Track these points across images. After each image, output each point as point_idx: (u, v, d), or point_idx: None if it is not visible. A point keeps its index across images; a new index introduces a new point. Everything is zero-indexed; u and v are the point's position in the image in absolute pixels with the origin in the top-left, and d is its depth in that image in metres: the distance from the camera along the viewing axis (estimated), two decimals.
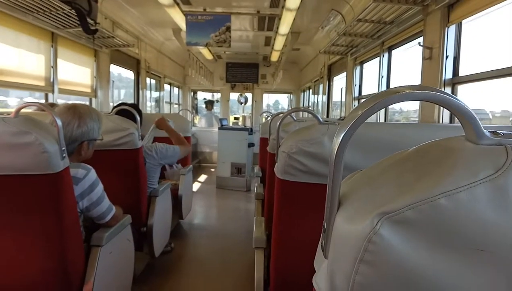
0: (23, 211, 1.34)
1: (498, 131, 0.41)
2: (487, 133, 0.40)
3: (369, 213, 0.39)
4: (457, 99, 0.39)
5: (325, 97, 6.28)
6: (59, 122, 1.32)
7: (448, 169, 0.38)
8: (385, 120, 3.86)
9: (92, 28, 3.17)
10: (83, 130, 1.62)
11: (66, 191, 1.39)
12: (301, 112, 8.72)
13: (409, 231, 0.38)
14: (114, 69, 4.98)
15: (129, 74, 5.81)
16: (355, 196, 0.44)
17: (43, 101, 3.35)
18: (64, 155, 1.34)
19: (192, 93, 10.27)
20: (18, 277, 1.39)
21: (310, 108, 8.08)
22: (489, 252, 0.37)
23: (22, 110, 1.33)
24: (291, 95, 10.39)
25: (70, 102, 2.16)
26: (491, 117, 2.59)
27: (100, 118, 1.73)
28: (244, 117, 9.69)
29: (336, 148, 0.42)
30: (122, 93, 6.09)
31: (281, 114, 1.87)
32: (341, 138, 0.41)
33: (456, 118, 0.53)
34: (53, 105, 2.52)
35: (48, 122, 1.44)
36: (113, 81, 4.83)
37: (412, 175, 0.40)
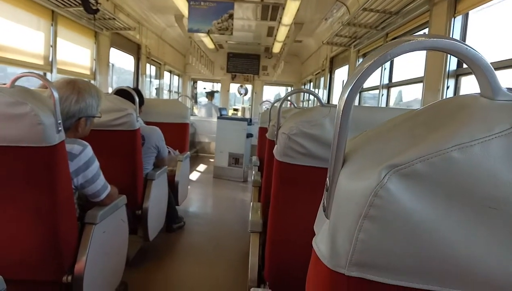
0: (16, 184, 1.31)
1: None
2: (504, 89, 0.38)
3: (376, 166, 0.37)
4: (474, 49, 0.37)
5: (326, 91, 6.24)
6: (55, 94, 1.29)
7: (463, 122, 0.36)
8: None
9: (93, 7, 3.12)
10: (81, 106, 1.58)
11: (60, 165, 1.36)
12: (301, 103, 8.70)
13: (419, 184, 0.35)
14: (116, 61, 4.92)
15: (130, 67, 5.76)
16: (362, 152, 0.42)
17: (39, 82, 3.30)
18: (60, 128, 1.31)
19: (192, 83, 10.21)
20: (8, 252, 1.37)
21: (310, 101, 8.05)
22: (501, 210, 0.35)
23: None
24: (292, 88, 10.35)
25: None
26: None
27: (99, 95, 1.69)
28: (243, 109, 9.66)
29: (345, 98, 0.39)
30: (121, 81, 6.04)
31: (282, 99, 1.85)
32: (350, 88, 0.39)
33: None
34: None
35: (46, 95, 1.41)
36: (112, 65, 4.78)
37: (424, 128, 0.38)
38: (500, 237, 0.36)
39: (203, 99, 9.91)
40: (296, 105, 2.24)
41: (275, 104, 2.51)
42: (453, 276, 0.37)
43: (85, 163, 1.52)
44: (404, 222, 0.36)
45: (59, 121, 1.31)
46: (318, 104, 1.33)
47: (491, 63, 0.38)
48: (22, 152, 1.27)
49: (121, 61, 5.40)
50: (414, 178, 0.35)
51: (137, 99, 2.31)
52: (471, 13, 2.18)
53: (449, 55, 2.26)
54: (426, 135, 0.37)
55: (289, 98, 2.64)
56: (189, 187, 4.09)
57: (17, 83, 1.30)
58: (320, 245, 0.44)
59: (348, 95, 0.39)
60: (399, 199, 0.36)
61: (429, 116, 0.40)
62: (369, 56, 0.38)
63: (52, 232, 1.37)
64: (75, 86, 1.58)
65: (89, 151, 1.54)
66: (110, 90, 4.60)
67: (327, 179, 0.43)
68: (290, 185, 1.32)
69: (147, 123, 2.76)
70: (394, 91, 3.84)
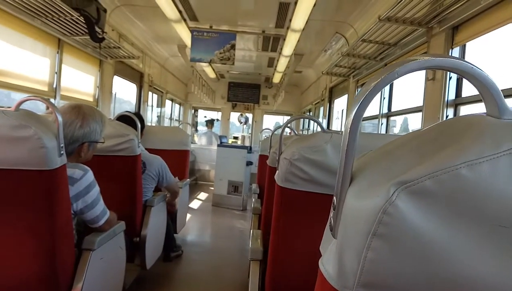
0: (15, 207, 1.30)
1: None
2: (510, 108, 0.38)
3: (385, 184, 0.37)
4: (480, 69, 0.37)
5: (325, 120, 6.29)
6: (59, 117, 1.30)
7: (471, 140, 0.36)
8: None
9: (100, 36, 3.20)
10: (85, 131, 1.59)
11: (61, 189, 1.35)
12: (301, 132, 8.74)
13: (428, 202, 0.35)
14: (117, 90, 4.99)
15: (130, 96, 5.83)
16: (369, 170, 0.42)
17: (44, 108, 3.33)
18: (62, 151, 1.32)
19: (193, 111, 10.30)
20: (4, 276, 1.33)
21: (309, 130, 8.09)
22: (511, 229, 0.35)
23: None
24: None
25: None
26: None
27: (103, 121, 1.70)
28: (243, 137, 9.70)
29: (353, 115, 0.40)
30: (122, 110, 6.09)
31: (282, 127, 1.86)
32: (359, 104, 0.39)
33: None
34: None
35: (51, 120, 1.42)
36: (115, 93, 4.84)
37: (432, 146, 0.38)
38: (511, 256, 0.35)
39: (203, 128, 9.95)
40: (296, 133, 2.25)
41: (276, 132, 2.53)
42: None
43: (86, 188, 1.51)
44: (414, 240, 0.36)
45: (62, 145, 1.31)
46: (319, 130, 1.34)
47: None
48: (23, 175, 1.27)
49: (122, 90, 5.47)
50: (423, 195, 0.35)
51: (139, 125, 2.33)
52: (471, 42, 2.24)
53: (447, 85, 2.30)
54: (434, 152, 0.37)
55: (289, 125, 2.67)
56: (188, 214, 4.04)
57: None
58: (327, 265, 0.43)
59: (356, 112, 0.39)
60: (408, 216, 0.35)
61: (437, 135, 0.40)
62: (377, 75, 0.38)
63: (50, 257, 1.35)
64: (80, 111, 1.59)
65: (90, 176, 1.53)
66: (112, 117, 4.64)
67: (334, 197, 0.43)
68: (291, 211, 1.30)
69: (148, 150, 2.76)
70: (400, 118, 3.86)
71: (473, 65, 0.37)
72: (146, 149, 2.82)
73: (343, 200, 0.41)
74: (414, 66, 0.37)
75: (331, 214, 0.44)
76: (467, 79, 0.38)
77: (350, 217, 0.40)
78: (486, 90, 0.38)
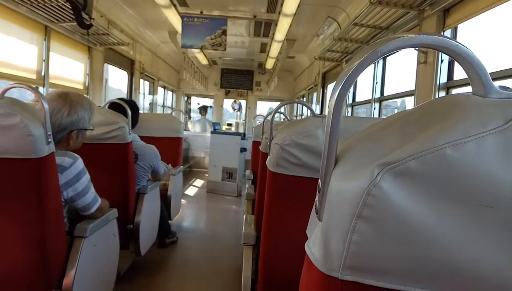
0: (3, 196, 1.28)
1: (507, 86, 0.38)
2: (496, 87, 0.38)
3: (369, 165, 0.36)
4: (465, 46, 0.37)
5: (318, 106, 6.28)
6: (45, 105, 1.27)
7: (456, 119, 0.35)
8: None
9: (87, 22, 3.13)
10: (73, 119, 1.57)
11: (49, 177, 1.33)
12: (295, 118, 8.73)
13: (412, 183, 0.35)
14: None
15: (120, 85, 5.76)
16: (354, 152, 0.41)
17: (33, 96, 3.28)
18: (49, 139, 1.29)
19: (186, 98, 10.23)
20: None
21: (303, 116, 8.09)
22: (497, 209, 0.34)
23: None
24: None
25: None
26: None
27: (91, 108, 1.67)
28: (237, 124, 9.68)
29: (335, 96, 0.39)
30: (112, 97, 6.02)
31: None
32: (341, 85, 0.38)
33: None
34: None
35: (38, 108, 1.39)
36: (106, 80, 4.78)
37: (417, 126, 0.37)
38: (497, 237, 0.35)
39: (196, 115, 9.90)
40: (289, 119, 2.24)
41: (268, 118, 2.51)
42: (450, 278, 0.36)
43: (76, 176, 1.50)
44: (399, 222, 0.35)
45: (49, 132, 1.29)
46: (311, 115, 1.33)
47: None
48: (10, 164, 1.25)
49: (114, 77, 5.39)
50: (408, 176, 0.35)
51: (129, 112, 2.30)
52: (462, 25, 2.22)
53: (439, 68, 2.29)
54: (419, 133, 0.36)
55: (282, 110, 2.65)
56: (182, 201, 4.04)
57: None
58: (313, 248, 0.43)
59: (339, 92, 0.38)
60: (393, 198, 0.35)
61: (421, 115, 0.39)
62: (359, 53, 0.37)
63: (40, 245, 1.34)
64: (67, 99, 1.56)
65: (79, 164, 1.51)
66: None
67: (319, 180, 0.42)
68: (283, 196, 1.30)
69: (140, 137, 2.73)
70: (397, 101, 3.86)
71: (458, 43, 0.36)
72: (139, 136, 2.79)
73: (328, 183, 0.41)
74: (397, 44, 0.36)
75: (317, 197, 0.43)
76: (452, 57, 0.37)
77: (334, 200, 0.39)
78: (472, 69, 0.37)
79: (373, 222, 0.35)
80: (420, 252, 0.36)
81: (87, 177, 1.55)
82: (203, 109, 8.56)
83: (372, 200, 0.35)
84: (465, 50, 0.36)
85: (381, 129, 0.42)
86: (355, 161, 0.39)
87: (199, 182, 6.47)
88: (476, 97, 0.38)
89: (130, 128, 2.24)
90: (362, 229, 0.36)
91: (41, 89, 3.36)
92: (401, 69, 3.39)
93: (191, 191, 5.82)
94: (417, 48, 2.49)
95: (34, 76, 3.27)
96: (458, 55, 0.37)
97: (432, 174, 0.34)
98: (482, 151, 0.34)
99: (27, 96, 3.02)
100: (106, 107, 2.45)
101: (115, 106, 2.42)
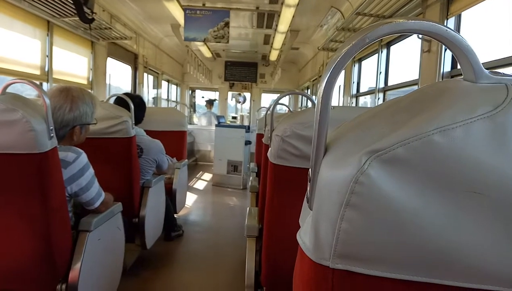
0: (7, 191, 1.30)
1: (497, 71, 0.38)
2: (487, 72, 0.37)
3: (357, 153, 0.36)
4: (455, 32, 0.36)
5: None
6: (47, 100, 1.28)
7: (444, 105, 0.35)
8: None
9: (89, 17, 3.13)
10: (75, 115, 1.57)
11: (53, 172, 1.34)
12: (299, 110, 8.69)
13: (400, 170, 0.34)
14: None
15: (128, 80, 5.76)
16: (343, 140, 0.41)
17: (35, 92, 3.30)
18: (52, 134, 1.30)
19: (190, 92, 10.22)
20: (0, 260, 1.35)
21: (309, 107, 8.05)
22: (485, 195, 0.34)
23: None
24: (290, 95, 10.33)
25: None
26: None
27: (94, 102, 1.67)
28: (242, 116, 9.66)
29: (324, 84, 0.38)
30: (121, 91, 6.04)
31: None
32: (329, 73, 0.38)
33: None
34: None
35: (40, 103, 1.40)
36: (110, 75, 4.79)
37: (406, 114, 0.37)
38: (486, 223, 0.35)
39: (201, 109, 9.89)
40: (292, 111, 2.24)
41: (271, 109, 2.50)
42: (440, 265, 0.36)
43: (79, 171, 1.50)
44: (387, 209, 0.35)
45: (51, 127, 1.30)
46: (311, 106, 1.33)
47: (489, 62, 0.37)
48: (13, 159, 1.26)
49: (117, 72, 5.40)
50: (396, 163, 0.34)
51: (132, 106, 2.30)
52: (466, 12, 2.18)
53: (443, 57, 2.26)
54: (407, 120, 0.36)
55: (286, 102, 2.63)
56: (188, 195, 4.06)
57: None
58: (304, 238, 0.43)
59: (327, 81, 0.38)
60: (381, 185, 0.35)
61: (411, 102, 0.39)
62: (347, 40, 0.37)
63: (45, 240, 1.35)
64: (69, 95, 1.56)
65: (83, 158, 1.52)
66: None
67: (310, 169, 0.42)
68: (285, 188, 1.30)
69: (145, 131, 2.74)
70: (404, 91, 3.83)
71: (447, 27, 0.36)
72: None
73: (318, 171, 0.41)
74: (385, 30, 0.36)
75: (308, 186, 0.43)
76: (442, 42, 0.37)
77: (324, 188, 0.39)
78: (461, 54, 0.37)
79: (361, 210, 0.35)
80: (409, 239, 0.35)
81: (91, 171, 1.56)
82: (209, 103, 8.56)
83: (360, 188, 0.35)
84: (454, 35, 0.36)
85: (371, 117, 0.41)
86: (344, 149, 0.39)
87: (205, 175, 6.50)
88: (466, 82, 0.37)
89: (133, 122, 2.24)
90: (351, 217, 0.36)
91: (45, 85, 3.37)
92: (406, 59, 3.35)
93: (197, 184, 5.84)
94: (420, 36, 2.46)
95: (38, 72, 3.28)
96: (448, 40, 0.36)
97: (421, 161, 0.34)
98: (471, 137, 0.33)
99: (31, 92, 3.03)
100: (111, 101, 2.46)
101: (120, 101, 2.42)
